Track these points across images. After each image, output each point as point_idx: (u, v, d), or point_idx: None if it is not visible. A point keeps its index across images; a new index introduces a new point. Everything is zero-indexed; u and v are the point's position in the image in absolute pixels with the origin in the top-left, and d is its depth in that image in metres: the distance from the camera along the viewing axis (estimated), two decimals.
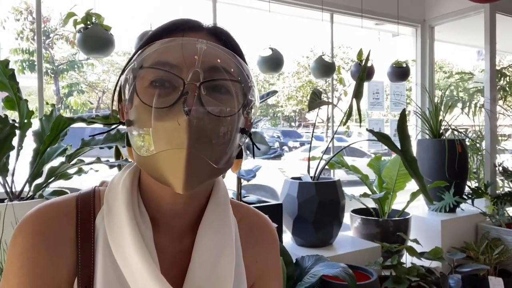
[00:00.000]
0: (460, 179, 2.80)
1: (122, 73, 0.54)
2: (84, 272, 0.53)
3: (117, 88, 0.56)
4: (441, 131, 2.94)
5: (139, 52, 0.53)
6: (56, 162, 1.65)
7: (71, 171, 1.66)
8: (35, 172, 1.60)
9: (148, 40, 0.55)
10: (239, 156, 0.57)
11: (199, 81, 0.49)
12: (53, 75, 11.61)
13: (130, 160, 0.59)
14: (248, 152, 1.89)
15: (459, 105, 3.73)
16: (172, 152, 0.47)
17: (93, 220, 0.56)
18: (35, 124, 1.66)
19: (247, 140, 0.58)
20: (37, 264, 0.52)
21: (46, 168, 1.63)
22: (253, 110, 0.56)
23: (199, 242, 0.57)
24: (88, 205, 0.57)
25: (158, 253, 0.55)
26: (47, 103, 1.90)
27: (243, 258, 0.64)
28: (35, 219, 0.54)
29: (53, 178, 1.60)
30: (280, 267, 0.72)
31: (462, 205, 2.86)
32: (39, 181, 1.63)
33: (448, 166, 2.70)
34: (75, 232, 0.55)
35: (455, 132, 2.88)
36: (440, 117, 2.95)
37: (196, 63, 0.49)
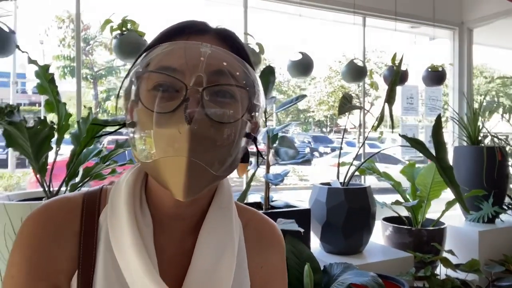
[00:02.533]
0: (500, 189, 2.66)
1: (126, 76, 0.53)
2: (84, 267, 0.54)
3: (121, 90, 0.56)
4: (479, 138, 2.81)
5: (143, 55, 0.52)
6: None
7: (105, 172, 1.72)
8: (72, 172, 1.67)
9: (153, 43, 0.56)
10: (245, 160, 0.56)
11: (202, 86, 0.48)
12: (92, 80, 12.12)
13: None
14: (277, 157, 1.89)
15: (500, 110, 3.55)
16: (172, 159, 0.47)
17: (97, 217, 0.57)
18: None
19: (252, 147, 0.57)
20: (38, 254, 0.53)
21: (81, 169, 1.70)
22: (258, 114, 0.55)
23: (200, 244, 0.57)
24: (93, 202, 0.58)
25: (158, 253, 0.55)
26: (84, 107, 1.98)
27: (247, 263, 0.63)
28: (41, 212, 0.56)
29: (88, 178, 1.66)
30: (286, 274, 0.70)
31: (502, 216, 2.72)
32: (75, 181, 1.70)
33: (486, 174, 2.58)
34: (79, 228, 0.56)
35: (495, 139, 2.74)
36: (479, 123, 2.82)
37: (199, 68, 0.48)
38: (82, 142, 1.59)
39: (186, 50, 0.50)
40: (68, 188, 1.66)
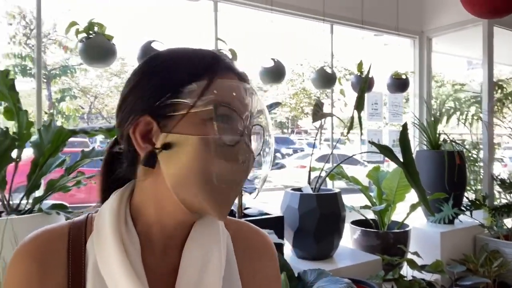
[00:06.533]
0: (459, 191, 2.80)
1: (175, 96, 0.55)
2: None
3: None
4: (439, 142, 2.94)
5: (197, 85, 0.55)
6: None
7: (70, 183, 1.62)
8: (34, 185, 1.56)
9: (182, 71, 0.56)
10: None
11: (252, 124, 0.57)
12: (45, 80, 11.48)
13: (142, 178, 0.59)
14: None
15: (457, 114, 3.74)
16: (228, 188, 0.55)
17: (84, 245, 0.58)
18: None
19: None
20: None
21: (43, 180, 1.59)
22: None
23: (185, 259, 0.59)
24: (79, 231, 0.59)
25: (147, 271, 0.56)
26: (45, 113, 1.86)
27: (240, 275, 0.64)
28: (28, 246, 0.57)
29: (51, 191, 1.56)
30: (280, 282, 0.71)
31: (461, 217, 2.86)
32: (37, 193, 1.59)
33: (447, 177, 2.71)
34: (67, 257, 0.57)
35: (453, 143, 2.88)
36: (439, 128, 2.96)
37: (251, 109, 0.57)
38: (46, 152, 1.49)
39: (241, 90, 0.57)
40: (30, 202, 1.55)
